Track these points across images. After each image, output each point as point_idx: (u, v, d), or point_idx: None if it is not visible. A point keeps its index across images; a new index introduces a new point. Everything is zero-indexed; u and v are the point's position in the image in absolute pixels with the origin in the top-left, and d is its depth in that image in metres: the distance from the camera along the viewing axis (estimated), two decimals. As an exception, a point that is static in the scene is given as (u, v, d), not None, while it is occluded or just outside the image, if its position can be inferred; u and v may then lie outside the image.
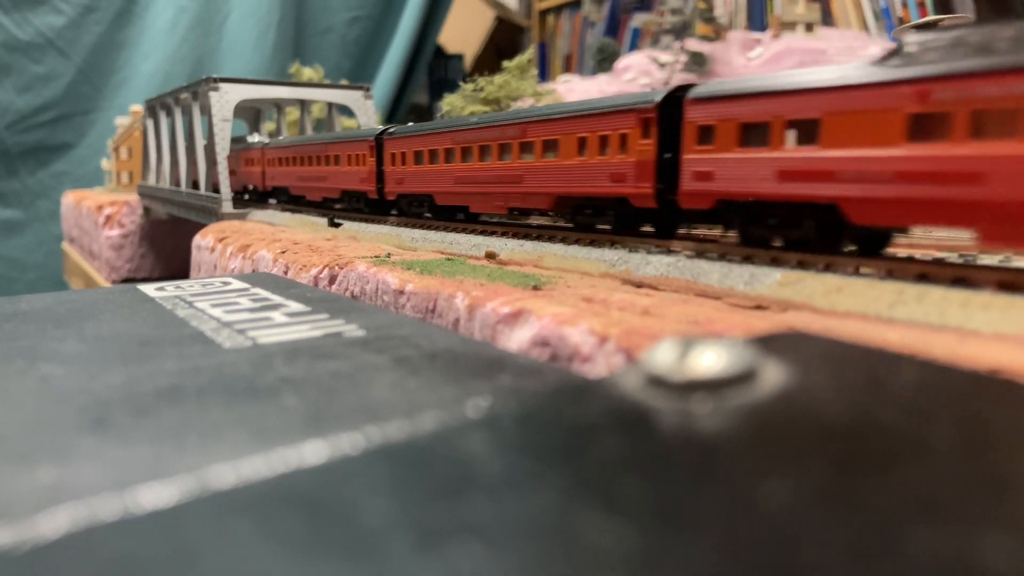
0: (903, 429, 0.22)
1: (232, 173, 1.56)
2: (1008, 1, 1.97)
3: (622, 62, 2.26)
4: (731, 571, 0.15)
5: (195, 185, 1.63)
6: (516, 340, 0.48)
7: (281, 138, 1.58)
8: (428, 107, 3.28)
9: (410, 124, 1.08)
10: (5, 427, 0.32)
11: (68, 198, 2.46)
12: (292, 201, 1.43)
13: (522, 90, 1.72)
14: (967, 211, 0.45)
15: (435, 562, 0.16)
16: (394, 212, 1.12)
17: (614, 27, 3.06)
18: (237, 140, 1.67)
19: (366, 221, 1.11)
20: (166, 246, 1.96)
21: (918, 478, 0.19)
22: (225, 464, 0.20)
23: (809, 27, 2.02)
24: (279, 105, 1.84)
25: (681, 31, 2.08)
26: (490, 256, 0.78)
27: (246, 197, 1.58)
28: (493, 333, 0.51)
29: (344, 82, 2.00)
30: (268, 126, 2.01)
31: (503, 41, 3.60)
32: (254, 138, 1.66)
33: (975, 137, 0.44)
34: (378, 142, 1.11)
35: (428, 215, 1.03)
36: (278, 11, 3.00)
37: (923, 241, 0.77)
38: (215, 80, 1.47)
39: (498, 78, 1.73)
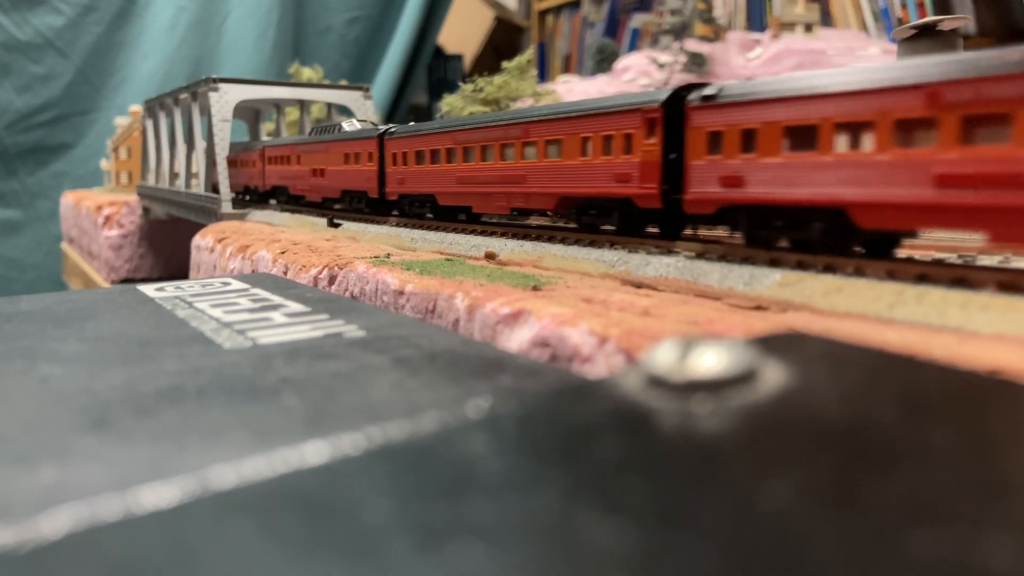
0: (903, 430, 0.22)
1: (316, 173, 1.24)
2: (1008, 2, 1.97)
3: (621, 62, 2.26)
4: (731, 572, 0.15)
5: (214, 189, 1.52)
6: (516, 340, 0.49)
7: (417, 124, 1.10)
8: (427, 107, 3.28)
9: (765, 80, 0.60)
10: (5, 427, 0.32)
11: (67, 198, 2.46)
12: (439, 214, 1.00)
13: (521, 90, 1.72)
14: None
15: (436, 562, 0.16)
16: (667, 236, 0.70)
17: (613, 27, 3.07)
18: (323, 130, 1.33)
19: (366, 221, 1.10)
20: (165, 246, 1.96)
21: (918, 478, 0.19)
22: (226, 464, 0.20)
23: (808, 27, 2.02)
24: (278, 105, 1.84)
25: (680, 31, 2.08)
26: (490, 256, 0.78)
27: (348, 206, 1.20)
28: (493, 333, 0.51)
29: (343, 82, 2.00)
30: (268, 126, 2.01)
31: (502, 41, 3.60)
32: (353, 125, 1.26)
33: None
34: (668, 112, 0.66)
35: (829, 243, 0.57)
36: (277, 11, 3.00)
37: (925, 242, 0.71)
38: (214, 80, 1.47)
39: (497, 78, 1.73)
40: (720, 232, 0.72)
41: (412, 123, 1.12)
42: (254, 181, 1.53)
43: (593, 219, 0.77)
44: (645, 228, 0.73)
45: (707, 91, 0.62)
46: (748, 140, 0.59)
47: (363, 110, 1.62)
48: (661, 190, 0.66)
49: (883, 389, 0.26)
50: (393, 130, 1.09)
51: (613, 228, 0.75)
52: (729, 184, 0.60)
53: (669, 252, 0.64)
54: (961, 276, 0.47)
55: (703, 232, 0.73)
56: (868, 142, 0.51)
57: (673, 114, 0.65)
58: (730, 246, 0.62)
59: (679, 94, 0.65)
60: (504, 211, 0.88)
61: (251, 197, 1.56)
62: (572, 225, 0.81)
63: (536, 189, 0.80)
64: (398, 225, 1.02)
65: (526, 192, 0.82)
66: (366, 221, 1.10)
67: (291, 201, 1.41)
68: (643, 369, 0.26)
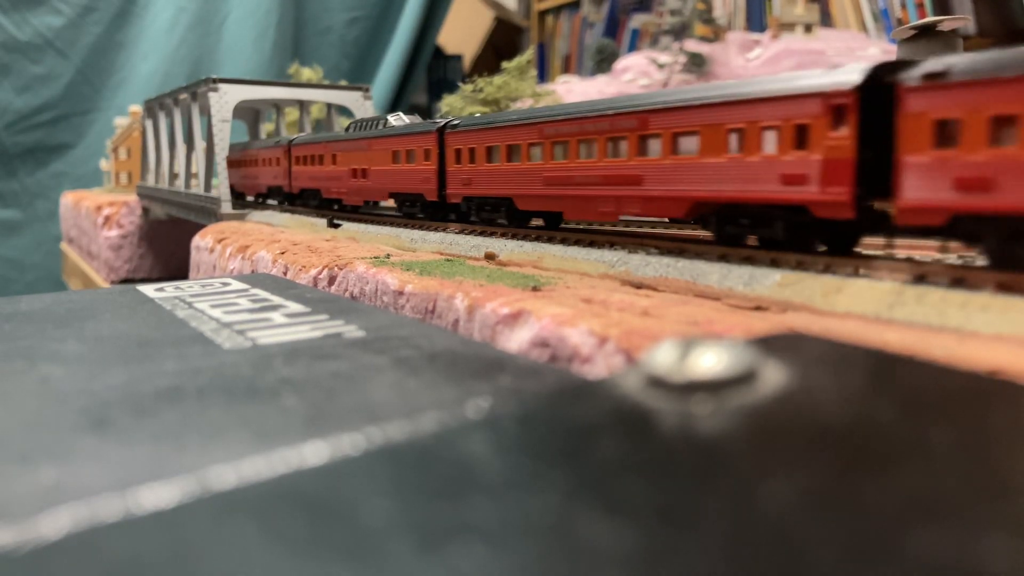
0: (902, 430, 0.22)
1: (357, 174, 1.09)
2: (1008, 2, 1.97)
3: (621, 63, 2.26)
4: (731, 572, 0.15)
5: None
6: (516, 341, 0.49)
7: (488, 115, 0.96)
8: (427, 108, 3.28)
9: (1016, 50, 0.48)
10: (5, 427, 0.32)
11: (67, 198, 2.46)
12: (514, 220, 0.87)
13: (521, 91, 1.72)
14: None
15: (436, 562, 0.16)
16: None
17: (613, 28, 3.07)
18: (364, 125, 1.15)
19: (365, 222, 1.10)
20: (165, 247, 1.96)
21: (918, 479, 0.19)
22: (226, 464, 0.20)
23: (808, 28, 2.02)
24: (278, 106, 1.84)
25: (680, 32, 2.08)
26: (489, 257, 0.79)
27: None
28: (493, 334, 0.51)
29: (343, 83, 2.00)
30: (267, 127, 2.01)
31: (502, 42, 3.60)
32: (401, 119, 1.09)
33: None
34: (864, 96, 0.52)
35: None
36: (277, 11, 3.01)
37: (929, 242, 0.62)
38: (214, 80, 1.47)
39: (497, 79, 1.73)
40: (918, 242, 0.59)
41: (478, 115, 1.00)
42: (277, 182, 1.42)
43: (742, 229, 0.61)
44: (818, 242, 0.59)
45: (929, 67, 0.48)
46: (1001, 130, 0.45)
47: (363, 111, 1.62)
48: (854, 195, 0.52)
49: (883, 389, 0.26)
50: (456, 123, 0.95)
51: (758, 243, 0.61)
52: (969, 188, 0.46)
53: (856, 273, 0.52)
54: (961, 276, 0.47)
55: (901, 245, 0.59)
56: None
57: (868, 98, 0.51)
58: (953, 268, 0.50)
59: (878, 73, 0.51)
60: (611, 218, 0.73)
61: (275, 200, 1.46)
62: (707, 236, 0.66)
63: (660, 192, 0.65)
64: (397, 226, 1.02)
65: (645, 196, 0.67)
66: (366, 222, 1.10)
67: (324, 205, 1.27)
68: (643, 369, 0.26)
